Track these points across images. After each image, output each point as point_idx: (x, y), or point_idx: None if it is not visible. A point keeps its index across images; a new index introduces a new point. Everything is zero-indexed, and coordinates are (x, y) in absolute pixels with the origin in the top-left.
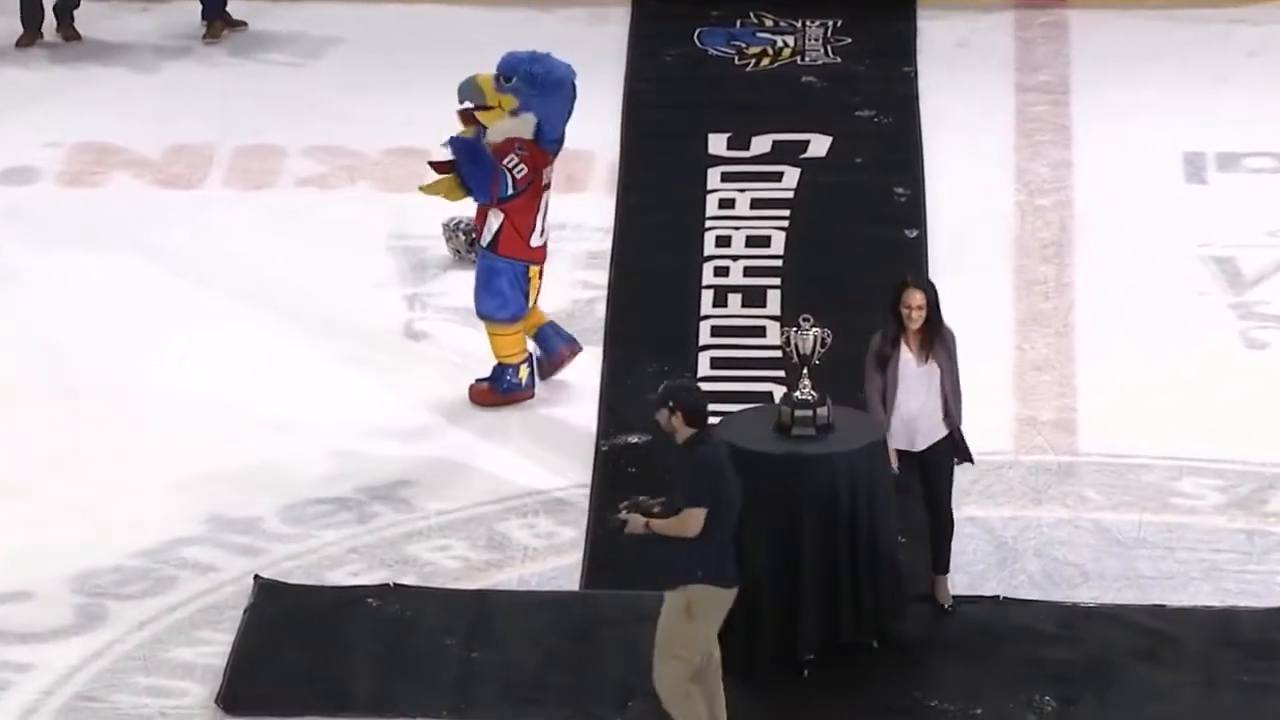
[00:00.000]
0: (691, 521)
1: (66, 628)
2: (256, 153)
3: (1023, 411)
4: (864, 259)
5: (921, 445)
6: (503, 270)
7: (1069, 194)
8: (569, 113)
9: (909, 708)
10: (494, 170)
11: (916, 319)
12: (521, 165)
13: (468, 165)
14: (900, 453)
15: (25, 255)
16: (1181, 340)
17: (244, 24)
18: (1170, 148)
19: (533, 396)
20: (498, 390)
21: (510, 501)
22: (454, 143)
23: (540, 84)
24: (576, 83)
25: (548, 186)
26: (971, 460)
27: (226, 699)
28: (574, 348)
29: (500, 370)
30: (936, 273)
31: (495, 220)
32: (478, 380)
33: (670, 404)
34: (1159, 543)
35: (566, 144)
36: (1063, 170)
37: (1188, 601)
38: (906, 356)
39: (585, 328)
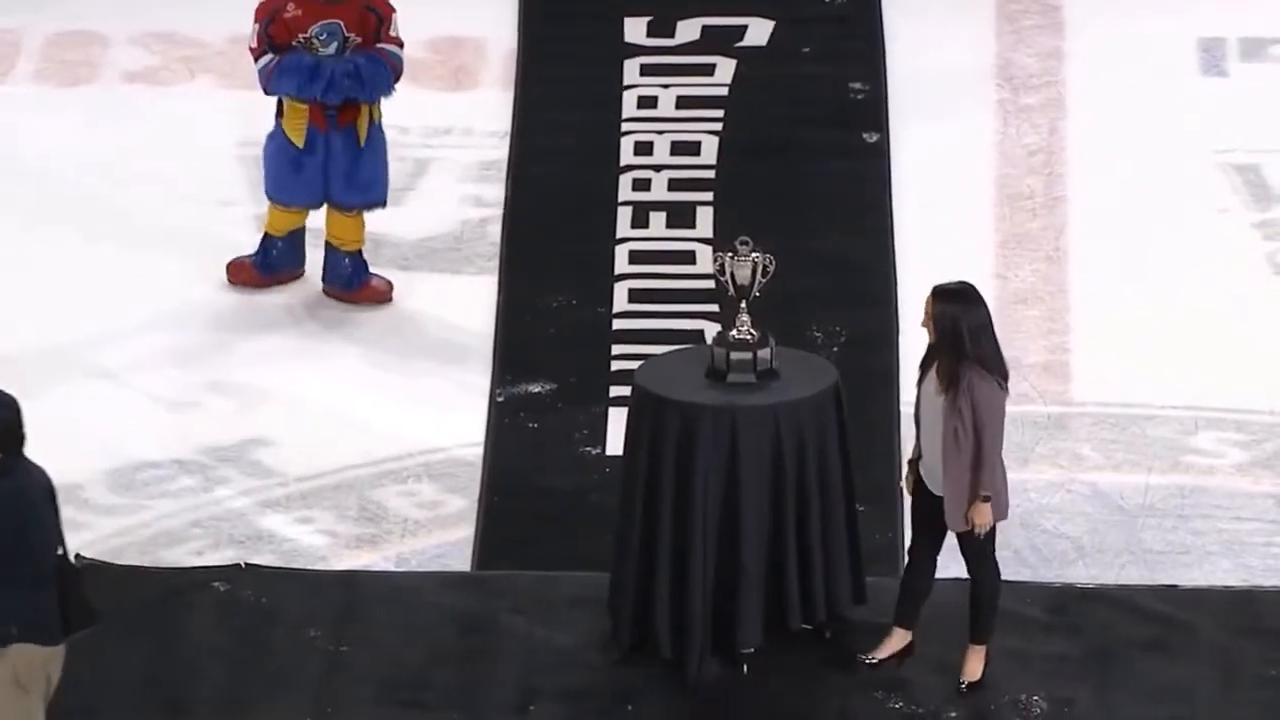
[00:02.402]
0: None
1: None
2: (73, 40)
3: (1006, 354)
4: (814, 169)
5: (932, 483)
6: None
7: (1060, 90)
8: None
9: (869, 710)
10: (383, 63)
11: (928, 333)
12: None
13: (369, 80)
14: (921, 484)
15: None
16: (1196, 266)
17: None
18: (1183, 33)
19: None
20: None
21: (386, 464)
22: (333, 89)
23: None
24: None
25: None
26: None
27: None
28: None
29: (361, 257)
30: (900, 185)
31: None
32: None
33: None
34: (1169, 510)
35: (452, 32)
36: (1053, 62)
37: (1203, 581)
38: (932, 376)
39: (477, 253)
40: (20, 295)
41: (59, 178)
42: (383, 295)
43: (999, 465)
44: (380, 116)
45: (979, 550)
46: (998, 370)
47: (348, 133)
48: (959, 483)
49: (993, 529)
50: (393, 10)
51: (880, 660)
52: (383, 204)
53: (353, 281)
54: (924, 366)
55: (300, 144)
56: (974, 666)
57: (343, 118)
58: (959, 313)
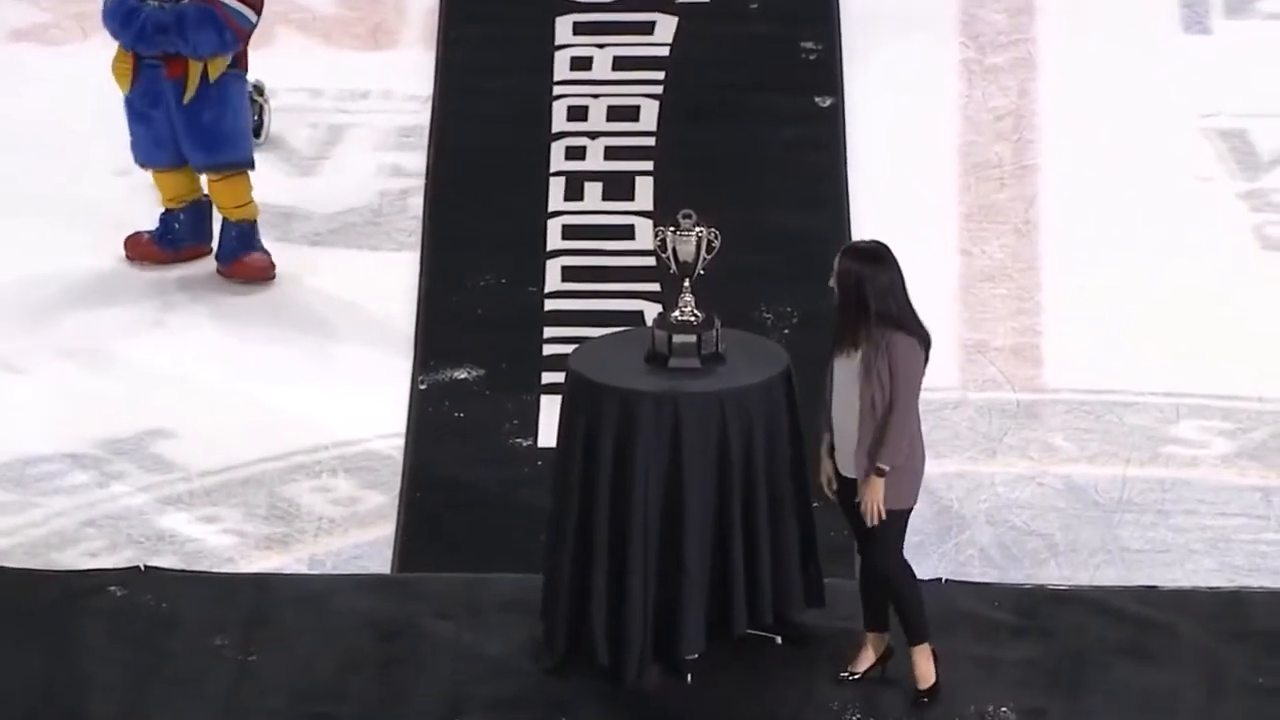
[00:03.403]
0: None
1: None
2: None
3: (971, 335)
4: (762, 136)
5: (848, 470)
6: (244, 93)
7: (1030, 49)
8: None
9: None
10: (215, 17)
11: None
12: None
13: (193, 35)
14: (841, 478)
15: None
16: (1178, 240)
17: None
18: None
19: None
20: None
21: (298, 458)
22: (144, 39)
23: None
24: None
25: None
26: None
27: None
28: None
29: (250, 228)
30: (855, 153)
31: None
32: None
33: None
34: (1148, 505)
35: None
36: (1022, 18)
37: (1185, 581)
38: (843, 346)
39: (396, 228)
40: None
41: None
42: (259, 272)
43: (913, 441)
44: (231, 70)
45: (880, 539)
46: (917, 331)
47: (177, 87)
48: (884, 419)
49: (906, 518)
50: None
51: (862, 674)
52: (240, 167)
53: (229, 256)
54: (835, 339)
55: (125, 91)
56: (924, 670)
57: (171, 70)
58: (865, 272)
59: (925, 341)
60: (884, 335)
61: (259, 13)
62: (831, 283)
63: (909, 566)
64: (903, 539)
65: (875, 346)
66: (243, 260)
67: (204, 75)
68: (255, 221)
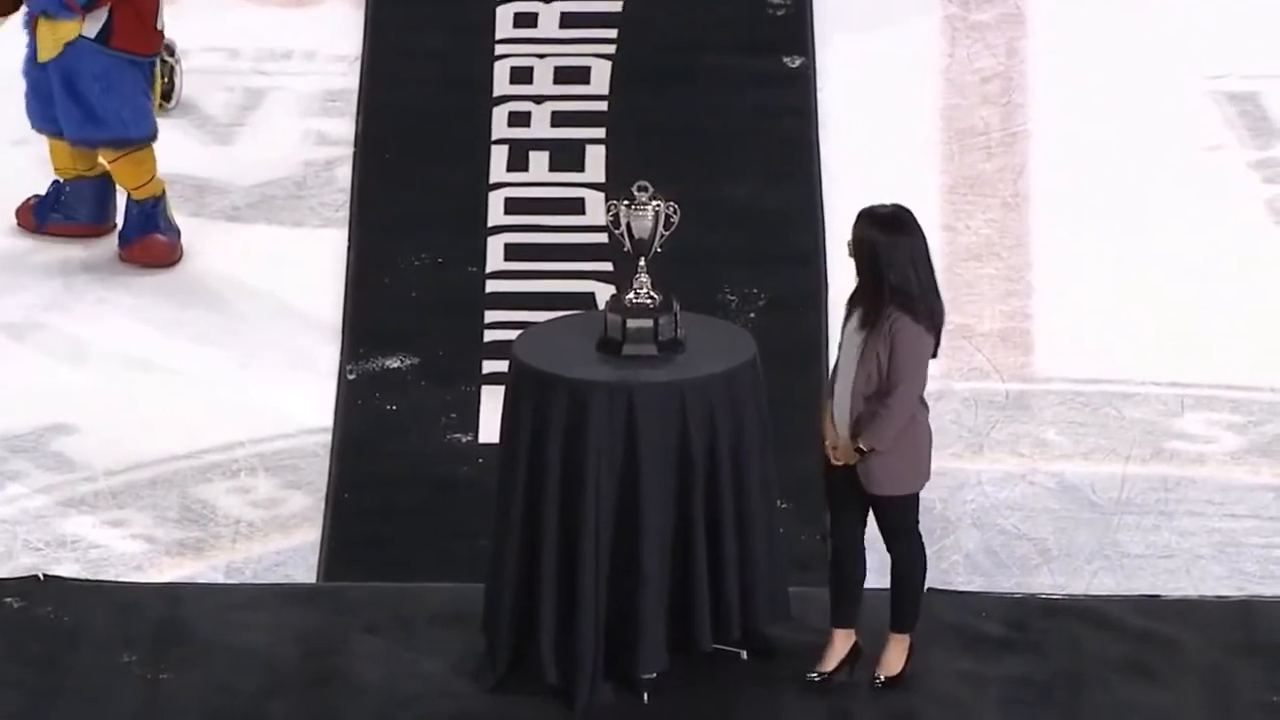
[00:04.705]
0: None
1: None
2: None
3: (955, 319)
4: (725, 101)
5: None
6: (127, 70)
7: (1019, 4)
8: None
9: None
10: None
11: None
12: None
13: None
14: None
15: None
16: (1183, 214)
17: None
18: None
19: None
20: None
21: (214, 455)
22: None
23: None
24: None
25: None
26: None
27: None
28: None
29: (153, 208)
30: (828, 119)
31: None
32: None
33: None
34: (1150, 506)
35: None
36: None
37: (1191, 590)
38: (856, 315)
39: (322, 202)
40: None
41: None
42: (160, 255)
43: (913, 426)
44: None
45: (898, 522)
46: (925, 313)
47: (32, 46)
48: (879, 392)
49: (915, 499)
50: None
51: (829, 674)
52: (111, 144)
53: (128, 236)
54: (850, 302)
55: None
56: (894, 660)
57: (35, 29)
58: (882, 240)
59: (936, 325)
60: (891, 317)
61: None
62: (847, 252)
63: (921, 548)
64: (914, 520)
65: (880, 327)
66: (142, 241)
67: (82, 43)
68: (160, 199)
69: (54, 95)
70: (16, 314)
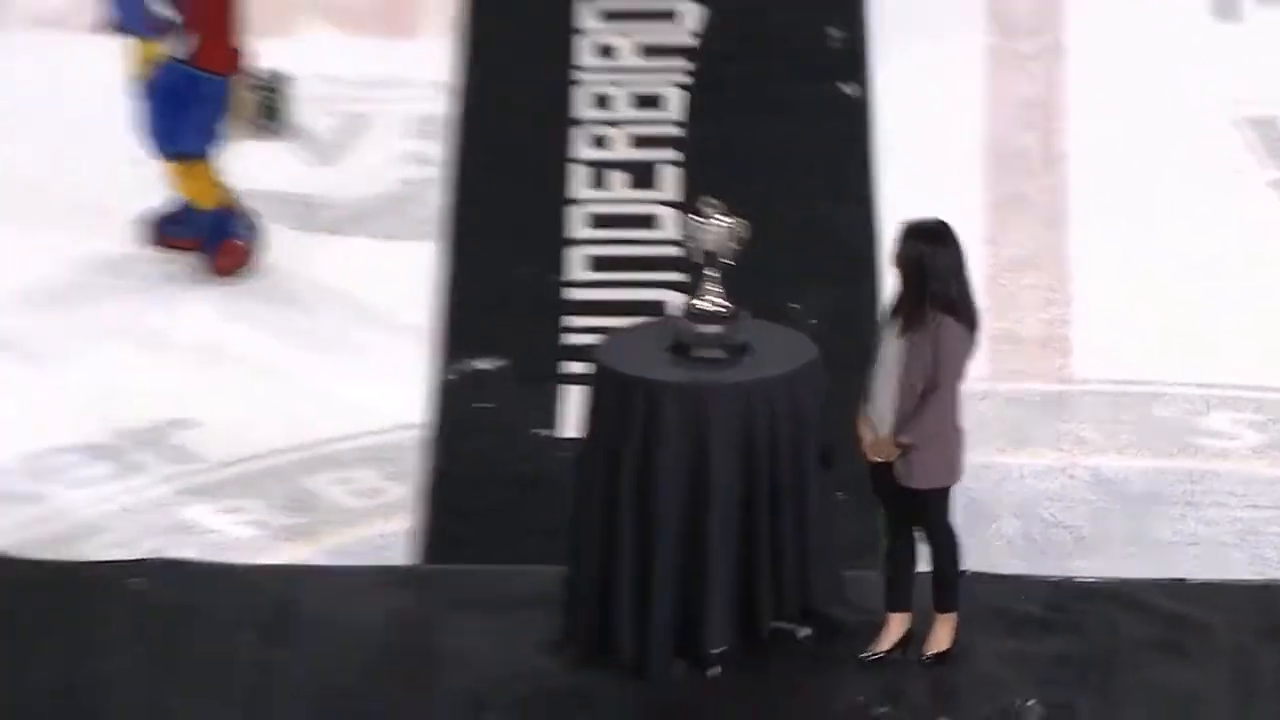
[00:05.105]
0: None
1: None
2: None
3: (998, 325)
4: (788, 126)
5: None
6: (202, 87)
7: (1059, 37)
8: None
9: (851, 718)
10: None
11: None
12: None
13: (125, 15)
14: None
15: None
16: (1209, 230)
17: None
18: None
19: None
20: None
21: (320, 448)
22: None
23: None
24: None
25: None
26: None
27: None
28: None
29: (226, 215)
30: (882, 142)
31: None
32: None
33: None
34: (1178, 497)
35: None
36: (1051, 4)
37: (1217, 575)
38: (896, 322)
39: (417, 217)
40: None
41: None
42: (232, 260)
43: (946, 423)
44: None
45: (933, 514)
46: (966, 316)
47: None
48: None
49: (948, 493)
50: None
51: (883, 654)
52: (170, 156)
53: (207, 245)
54: (892, 312)
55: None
56: (940, 638)
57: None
58: (926, 252)
59: (975, 326)
60: (936, 319)
61: (190, 16)
62: (892, 262)
63: (955, 536)
64: (948, 512)
65: (925, 329)
66: (219, 247)
67: (169, 62)
68: (231, 209)
69: (144, 111)
70: (138, 319)
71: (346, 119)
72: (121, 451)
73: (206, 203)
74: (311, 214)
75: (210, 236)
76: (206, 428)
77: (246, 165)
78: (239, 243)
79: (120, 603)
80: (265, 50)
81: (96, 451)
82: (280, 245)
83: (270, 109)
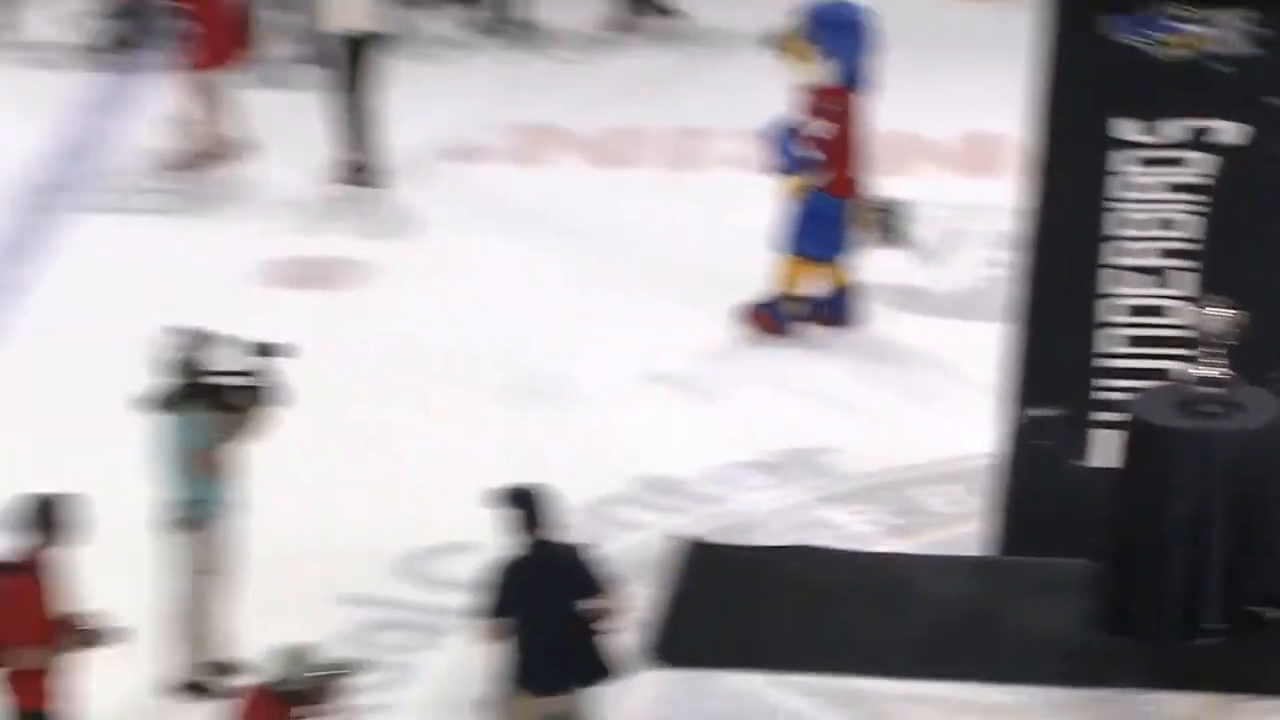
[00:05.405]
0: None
1: None
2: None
3: None
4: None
5: None
6: (827, 206)
7: None
8: (864, 51)
9: None
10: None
11: None
12: (821, 124)
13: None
14: None
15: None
16: None
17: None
18: None
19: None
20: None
21: (922, 469)
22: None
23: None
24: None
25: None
26: None
27: (662, 649)
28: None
29: (796, 303)
30: None
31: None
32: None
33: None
34: None
35: (978, 125)
36: None
37: None
38: None
39: (995, 305)
40: (638, 339)
41: (690, 253)
42: (765, 328)
43: None
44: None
45: None
46: None
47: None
48: None
49: None
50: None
51: None
52: (787, 254)
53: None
54: None
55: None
56: None
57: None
58: None
59: None
60: None
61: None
62: None
63: None
64: None
65: None
66: (762, 316)
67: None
68: (800, 297)
69: (790, 221)
70: (776, 369)
71: (946, 234)
72: (779, 468)
73: (792, 288)
74: (916, 301)
75: (829, 310)
76: (838, 452)
77: (872, 266)
78: (773, 322)
79: (780, 575)
80: (890, 183)
81: (760, 467)
82: (887, 322)
83: (888, 226)
